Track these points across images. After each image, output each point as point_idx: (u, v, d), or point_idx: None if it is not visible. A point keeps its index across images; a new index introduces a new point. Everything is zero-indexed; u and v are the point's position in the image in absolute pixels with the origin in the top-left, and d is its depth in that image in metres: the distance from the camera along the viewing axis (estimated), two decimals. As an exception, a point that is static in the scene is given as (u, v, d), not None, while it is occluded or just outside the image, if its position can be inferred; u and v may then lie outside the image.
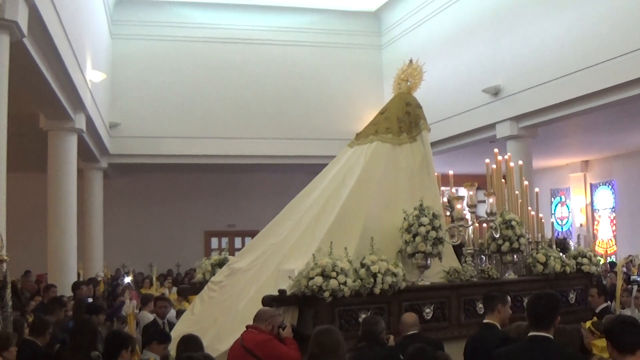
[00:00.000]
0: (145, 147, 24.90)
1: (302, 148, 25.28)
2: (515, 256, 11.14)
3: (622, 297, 13.89)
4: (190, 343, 8.14)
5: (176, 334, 10.17)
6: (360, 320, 8.98)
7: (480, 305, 10.21)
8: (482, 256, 11.34)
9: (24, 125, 16.55)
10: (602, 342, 8.24)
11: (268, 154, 25.64)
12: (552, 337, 6.46)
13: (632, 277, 17.38)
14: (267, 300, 8.81)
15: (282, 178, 27.75)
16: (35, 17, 11.21)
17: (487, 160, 12.69)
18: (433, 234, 9.76)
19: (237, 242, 30.48)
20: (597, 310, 10.79)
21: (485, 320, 8.29)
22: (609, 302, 11.09)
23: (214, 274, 11.61)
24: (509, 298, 8.93)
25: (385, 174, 10.93)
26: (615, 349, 5.72)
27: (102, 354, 8.81)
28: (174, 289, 19.38)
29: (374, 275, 9.06)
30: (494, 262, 11.30)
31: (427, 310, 9.73)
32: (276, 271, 9.95)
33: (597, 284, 13.23)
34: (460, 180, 12.50)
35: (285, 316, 8.93)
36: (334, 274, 8.79)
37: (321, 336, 6.59)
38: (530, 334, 6.49)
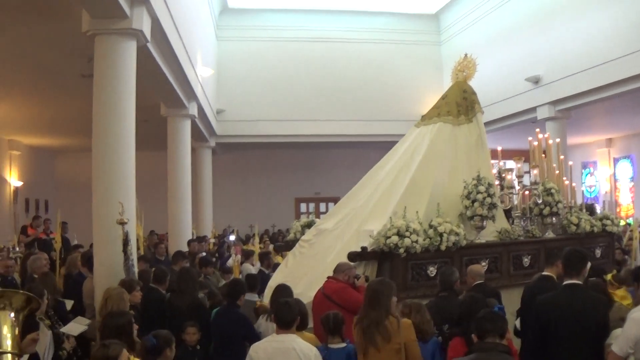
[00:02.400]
0: (245, 129, 25.09)
1: (375, 128, 25.16)
2: (553, 218, 11.16)
3: (636, 252, 13.87)
4: (284, 291, 8.21)
5: (273, 282, 10.31)
6: (429, 272, 9.13)
7: (526, 259, 10.31)
8: (527, 218, 11.26)
9: (148, 113, 16.71)
10: (621, 292, 8.37)
11: (347, 133, 25.58)
12: (582, 283, 6.45)
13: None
14: (352, 256, 8.89)
15: (359, 153, 27.66)
16: (156, 26, 11.30)
17: (530, 138, 12.71)
18: (488, 200, 9.82)
19: (322, 206, 30.57)
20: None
21: (544, 272, 8.13)
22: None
23: (303, 234, 11.71)
24: None
25: (447, 150, 10.94)
26: None
27: (225, 295, 8.90)
28: (271, 246, 19.45)
29: (441, 235, 9.12)
30: (536, 223, 11.27)
31: (483, 263, 9.72)
32: (357, 231, 10.01)
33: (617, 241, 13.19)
34: (507, 154, 12.47)
35: (366, 269, 8.99)
36: (407, 234, 8.87)
37: (374, 285, 6.64)
38: (565, 282, 6.46)
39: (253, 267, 14.33)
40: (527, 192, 11.58)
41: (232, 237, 21.61)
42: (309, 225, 12.10)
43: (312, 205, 30.80)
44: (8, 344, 4.51)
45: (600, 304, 6.38)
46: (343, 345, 6.73)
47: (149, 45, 11.46)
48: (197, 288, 9.59)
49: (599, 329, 6.18)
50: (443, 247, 9.13)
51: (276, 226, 28.85)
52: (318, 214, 26.82)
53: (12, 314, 4.60)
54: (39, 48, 12.71)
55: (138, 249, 13.16)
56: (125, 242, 9.43)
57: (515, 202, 11.22)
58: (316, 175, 30.39)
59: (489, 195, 9.84)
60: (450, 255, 9.40)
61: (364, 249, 9.04)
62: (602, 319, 6.24)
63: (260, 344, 6.50)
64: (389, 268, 9.02)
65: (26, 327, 5.22)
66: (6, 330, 4.54)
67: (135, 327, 6.01)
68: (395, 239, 8.80)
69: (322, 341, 7.05)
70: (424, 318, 6.92)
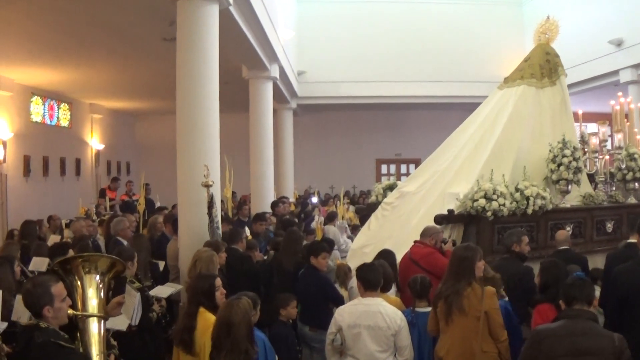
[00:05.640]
0: (326, 91, 24.94)
1: (456, 89, 24.56)
2: (636, 184, 11.04)
3: None
4: (388, 257, 8.12)
5: (356, 245, 10.40)
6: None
7: (609, 225, 10.25)
8: (607, 183, 11.11)
9: (230, 75, 16.78)
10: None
11: (428, 95, 25.09)
12: None
13: None
14: (439, 218, 8.91)
15: (440, 115, 27.31)
16: (238, -12, 11.27)
17: (612, 102, 12.41)
18: (574, 163, 9.79)
19: (403, 168, 30.31)
20: None
21: (629, 240, 7.87)
22: None
23: (385, 196, 11.67)
24: None
25: (532, 113, 10.81)
26: None
27: (305, 258, 8.93)
28: (352, 207, 19.42)
29: (527, 198, 9.05)
30: (618, 188, 11.15)
31: (568, 228, 9.62)
32: (442, 194, 9.97)
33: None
34: (588, 117, 12.28)
35: (452, 232, 8.98)
36: (495, 197, 8.88)
37: (459, 252, 6.46)
38: None
39: (336, 229, 14.33)
40: (608, 157, 11.39)
41: (315, 199, 21.68)
42: (391, 188, 12.08)
43: (392, 167, 30.60)
44: (94, 305, 4.60)
45: None
46: (429, 309, 6.67)
47: (231, 8, 11.44)
48: (299, 251, 9.61)
49: None
50: (530, 211, 9.06)
51: (357, 187, 28.94)
52: (399, 175, 26.70)
53: (98, 277, 4.70)
54: (120, 12, 12.78)
55: (226, 210, 13.26)
56: (210, 205, 9.46)
57: (598, 167, 11.04)
58: (397, 136, 30.03)
59: (575, 159, 9.78)
60: (535, 220, 9.34)
61: (450, 211, 9.01)
62: None
63: (346, 307, 6.53)
64: (475, 231, 9.01)
65: (114, 290, 5.32)
66: (92, 293, 4.64)
67: (222, 291, 6.01)
68: (482, 202, 8.81)
69: (407, 305, 7.05)
70: (497, 283, 6.83)
